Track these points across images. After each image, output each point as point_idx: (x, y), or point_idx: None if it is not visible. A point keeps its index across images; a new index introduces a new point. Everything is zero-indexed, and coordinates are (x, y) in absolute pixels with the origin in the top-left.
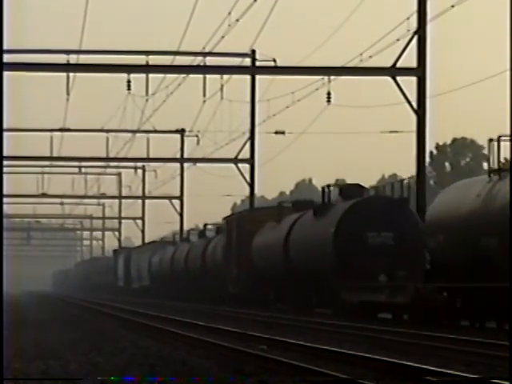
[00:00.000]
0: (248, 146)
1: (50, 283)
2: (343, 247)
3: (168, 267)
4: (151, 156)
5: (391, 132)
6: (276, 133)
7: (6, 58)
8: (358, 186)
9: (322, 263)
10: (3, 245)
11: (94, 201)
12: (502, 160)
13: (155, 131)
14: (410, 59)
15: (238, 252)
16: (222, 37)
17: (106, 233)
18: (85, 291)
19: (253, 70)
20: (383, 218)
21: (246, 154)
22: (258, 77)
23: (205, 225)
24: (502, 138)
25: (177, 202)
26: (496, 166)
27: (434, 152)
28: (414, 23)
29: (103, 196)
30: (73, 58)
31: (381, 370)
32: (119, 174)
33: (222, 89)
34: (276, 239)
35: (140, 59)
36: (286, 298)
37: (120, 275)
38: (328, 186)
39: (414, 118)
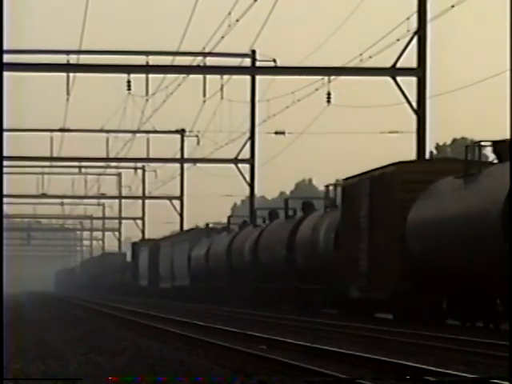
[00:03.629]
0: (248, 146)
1: (51, 283)
2: None
3: (222, 262)
4: (151, 156)
5: (391, 132)
6: (276, 133)
7: (6, 58)
8: None
9: None
10: (3, 245)
11: (94, 201)
12: None
13: (155, 131)
14: (410, 59)
15: (372, 234)
16: (222, 37)
17: (106, 233)
18: (95, 292)
19: (253, 70)
20: None
21: (246, 154)
22: (258, 77)
23: (206, 224)
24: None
25: (177, 202)
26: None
27: (434, 152)
28: (414, 23)
29: (103, 196)
30: (73, 58)
31: (381, 369)
32: (119, 174)
33: (222, 89)
34: (473, 209)
35: (140, 59)
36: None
37: (143, 273)
38: None
39: (414, 118)
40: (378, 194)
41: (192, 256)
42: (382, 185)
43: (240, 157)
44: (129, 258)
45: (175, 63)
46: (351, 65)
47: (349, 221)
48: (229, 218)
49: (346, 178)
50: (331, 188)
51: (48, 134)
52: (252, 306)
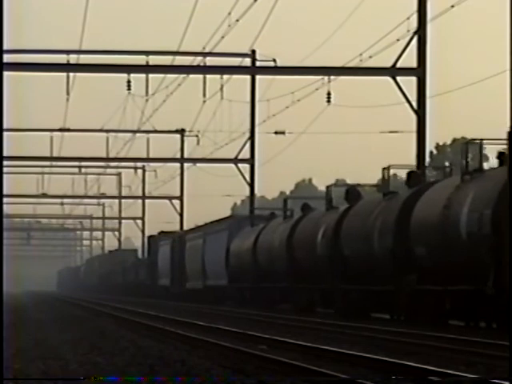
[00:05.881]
0: (248, 146)
1: (53, 283)
2: None
3: (278, 256)
4: (151, 156)
5: (391, 132)
6: (276, 133)
7: (6, 58)
8: None
9: None
10: (3, 245)
11: (94, 201)
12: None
13: (155, 131)
14: (410, 59)
15: None
16: (222, 37)
17: (106, 233)
18: (102, 293)
19: (253, 70)
20: None
21: (246, 154)
22: (258, 77)
23: (251, 210)
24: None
25: (177, 202)
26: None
27: (434, 152)
28: (414, 23)
29: (103, 196)
30: (73, 58)
31: (381, 370)
32: (119, 174)
33: (221, 89)
34: None
35: (140, 59)
36: None
37: (163, 271)
38: None
39: (414, 118)
40: None
41: (232, 249)
42: None
43: (240, 157)
44: (140, 254)
45: (175, 63)
46: (351, 65)
47: None
48: (285, 200)
49: None
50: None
51: (48, 133)
52: (327, 315)
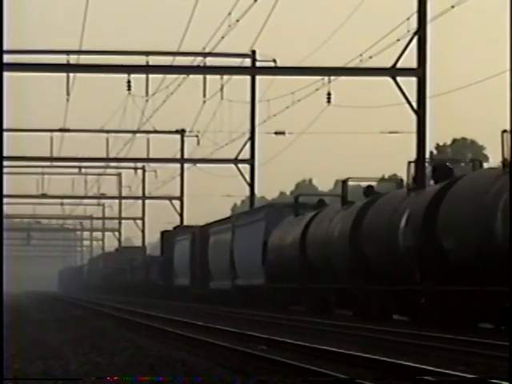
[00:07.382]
0: (248, 146)
1: (54, 283)
2: None
3: (338, 250)
4: (151, 156)
5: (391, 132)
6: (276, 133)
7: (7, 58)
8: None
9: None
10: (3, 245)
11: (94, 201)
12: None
13: (155, 131)
14: (410, 59)
15: None
16: (222, 37)
17: (106, 233)
18: (108, 293)
19: (253, 71)
20: None
21: (246, 154)
22: (258, 77)
23: (295, 197)
24: None
25: (177, 203)
26: None
27: (434, 152)
28: (414, 23)
29: (103, 196)
30: (73, 59)
31: (380, 370)
32: (119, 175)
33: (222, 89)
34: None
35: (140, 59)
36: None
37: (180, 269)
38: None
39: (414, 118)
40: None
41: (271, 243)
42: None
43: (240, 157)
44: (149, 251)
45: (175, 63)
46: (351, 65)
47: None
48: (344, 181)
49: None
50: None
51: (48, 134)
52: (404, 324)
